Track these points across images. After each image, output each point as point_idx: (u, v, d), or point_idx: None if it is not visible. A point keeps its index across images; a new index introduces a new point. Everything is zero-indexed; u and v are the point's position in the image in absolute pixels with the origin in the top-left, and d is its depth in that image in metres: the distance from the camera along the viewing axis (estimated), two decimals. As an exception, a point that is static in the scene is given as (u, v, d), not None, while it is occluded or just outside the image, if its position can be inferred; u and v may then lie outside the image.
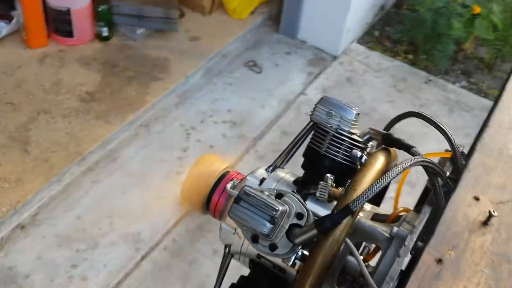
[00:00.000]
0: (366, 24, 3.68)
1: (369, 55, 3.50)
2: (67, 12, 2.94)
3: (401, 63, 3.47)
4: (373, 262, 0.86)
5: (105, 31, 3.09)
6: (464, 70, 3.53)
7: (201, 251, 2.24)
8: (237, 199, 0.75)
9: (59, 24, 3.00)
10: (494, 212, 0.76)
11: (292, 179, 0.91)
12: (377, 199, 1.07)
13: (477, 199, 0.80)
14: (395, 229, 0.81)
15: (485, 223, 0.76)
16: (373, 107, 3.08)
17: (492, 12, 3.27)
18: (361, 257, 0.88)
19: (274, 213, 0.73)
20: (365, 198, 0.73)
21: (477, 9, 3.28)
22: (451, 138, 0.90)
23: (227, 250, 0.88)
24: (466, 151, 0.95)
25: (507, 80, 1.14)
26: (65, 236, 2.18)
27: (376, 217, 0.89)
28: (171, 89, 2.91)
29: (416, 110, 0.96)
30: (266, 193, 0.77)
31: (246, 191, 0.75)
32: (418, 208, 0.98)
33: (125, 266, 2.13)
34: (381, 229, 0.82)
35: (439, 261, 0.71)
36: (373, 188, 0.74)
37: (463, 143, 0.94)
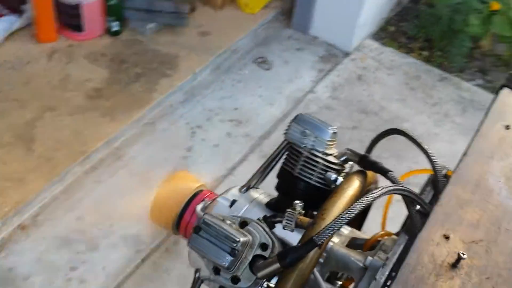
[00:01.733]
0: (381, 19, 3.59)
1: (382, 52, 3.42)
2: (78, 6, 2.93)
3: (415, 60, 3.38)
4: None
5: (115, 26, 3.07)
6: (481, 67, 3.43)
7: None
8: (197, 229, 0.72)
9: (69, 18, 2.98)
10: (463, 254, 0.69)
11: (266, 200, 0.88)
12: (358, 222, 1.03)
13: (447, 237, 0.73)
14: (369, 259, 0.77)
15: (454, 265, 0.69)
16: (382, 106, 3.02)
17: (511, 9, 3.17)
18: (339, 283, 0.85)
19: (235, 245, 0.70)
20: (331, 231, 0.69)
21: (496, 5, 3.17)
22: (433, 160, 0.85)
23: (197, 275, 0.84)
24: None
25: (492, 102, 1.08)
26: (65, 237, 2.18)
27: (354, 243, 0.86)
28: (179, 86, 2.88)
29: (400, 128, 0.90)
30: (228, 221, 0.73)
31: (206, 221, 0.72)
32: (401, 231, 0.93)
33: (125, 269, 2.13)
34: (355, 258, 0.79)
35: None
36: (339, 220, 0.69)
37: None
